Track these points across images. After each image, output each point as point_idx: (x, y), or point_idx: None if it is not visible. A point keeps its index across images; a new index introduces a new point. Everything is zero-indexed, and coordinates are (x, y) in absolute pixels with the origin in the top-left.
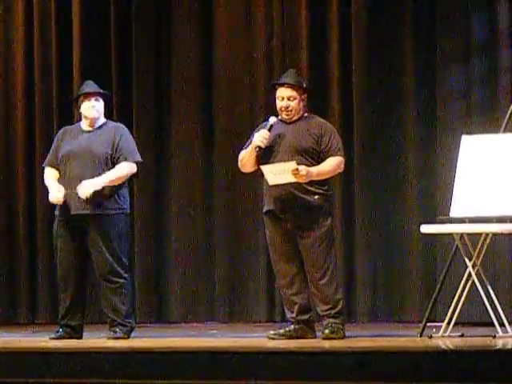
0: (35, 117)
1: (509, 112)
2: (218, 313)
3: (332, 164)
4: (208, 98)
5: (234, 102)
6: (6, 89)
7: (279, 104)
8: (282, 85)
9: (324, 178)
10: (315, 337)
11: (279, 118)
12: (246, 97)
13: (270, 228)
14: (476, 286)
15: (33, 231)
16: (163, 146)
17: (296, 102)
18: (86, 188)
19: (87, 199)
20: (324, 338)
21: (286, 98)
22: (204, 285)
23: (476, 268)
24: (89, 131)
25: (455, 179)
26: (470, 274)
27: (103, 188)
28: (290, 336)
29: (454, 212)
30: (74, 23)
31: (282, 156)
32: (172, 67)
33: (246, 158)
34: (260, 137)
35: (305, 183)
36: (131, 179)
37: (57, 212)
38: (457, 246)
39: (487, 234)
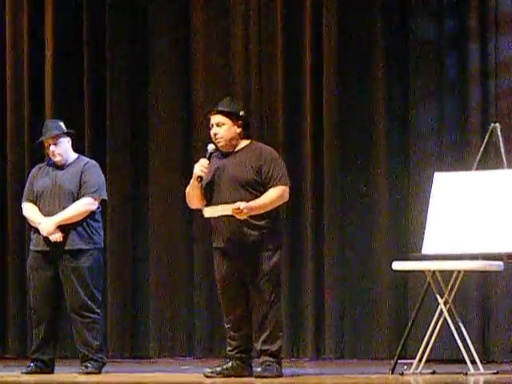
0: (6, 155)
1: (481, 150)
2: (195, 348)
3: (273, 195)
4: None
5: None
6: None
7: (211, 132)
8: (214, 112)
9: (267, 209)
10: (251, 375)
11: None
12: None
13: (218, 264)
14: (448, 322)
15: (4, 264)
16: (140, 174)
17: (225, 128)
18: (46, 226)
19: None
20: (257, 377)
21: (214, 124)
22: (182, 319)
23: (448, 305)
24: (59, 168)
25: (427, 216)
26: (441, 311)
27: (70, 224)
28: (227, 374)
29: (426, 249)
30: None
31: (225, 190)
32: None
33: (190, 193)
34: (200, 166)
35: (249, 218)
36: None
37: (31, 246)
38: (429, 282)
39: (459, 272)
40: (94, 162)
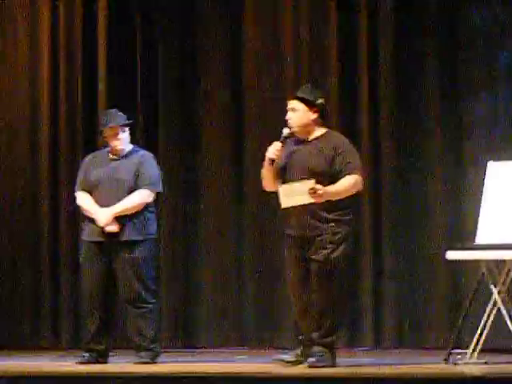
0: (60, 142)
1: None
2: (248, 338)
3: (349, 183)
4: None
5: (265, 128)
6: (32, 113)
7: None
8: (291, 97)
9: (341, 197)
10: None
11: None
12: (276, 120)
13: (288, 249)
14: (501, 312)
15: (57, 255)
16: (192, 173)
17: (299, 114)
18: (103, 217)
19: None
20: (310, 367)
21: (289, 109)
22: (233, 310)
23: (502, 295)
24: (115, 159)
25: (481, 206)
26: (495, 301)
27: (126, 215)
28: (301, 361)
29: (480, 238)
30: (100, 47)
31: (295, 177)
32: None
33: (264, 175)
34: (272, 148)
35: (320, 209)
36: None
37: (84, 236)
38: (483, 272)
39: None
40: (150, 153)
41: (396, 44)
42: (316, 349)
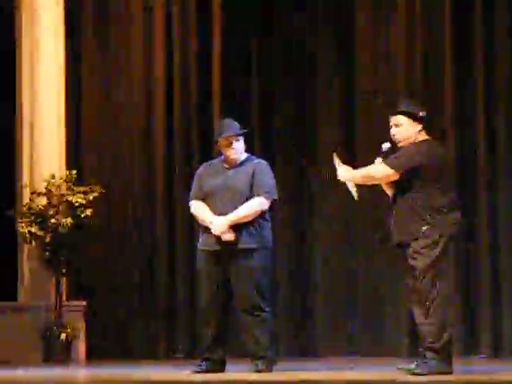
0: (175, 152)
1: None
2: (357, 346)
3: None
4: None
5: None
6: (147, 120)
7: (390, 132)
8: (394, 113)
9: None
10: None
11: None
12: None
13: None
14: None
15: (173, 264)
16: (307, 183)
17: (403, 129)
18: (218, 226)
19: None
20: (412, 374)
21: (393, 125)
22: (345, 318)
23: None
24: (230, 168)
25: None
26: None
27: (242, 224)
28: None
29: None
30: (215, 52)
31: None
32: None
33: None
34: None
35: (415, 213)
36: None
37: (200, 245)
38: None
39: None
40: (264, 161)
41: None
42: (426, 354)
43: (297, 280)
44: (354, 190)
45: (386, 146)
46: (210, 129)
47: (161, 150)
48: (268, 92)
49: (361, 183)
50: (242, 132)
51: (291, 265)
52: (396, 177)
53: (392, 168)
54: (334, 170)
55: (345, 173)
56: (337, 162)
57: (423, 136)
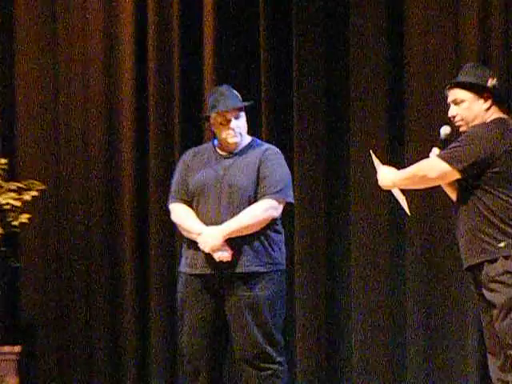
0: (148, 132)
1: None
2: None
3: None
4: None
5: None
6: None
7: (449, 112)
8: (450, 86)
9: None
10: None
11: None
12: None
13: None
14: None
15: (146, 292)
16: (336, 181)
17: (465, 106)
18: (209, 239)
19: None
20: None
21: (451, 102)
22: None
23: None
24: (227, 157)
25: None
26: None
27: (243, 237)
28: None
29: None
30: None
31: None
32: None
33: None
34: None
35: (489, 224)
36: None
37: (183, 267)
38: None
39: None
40: (275, 148)
41: None
42: None
43: (323, 317)
44: (403, 201)
45: (445, 130)
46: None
47: (127, 133)
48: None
49: (411, 187)
50: (245, 104)
51: (314, 297)
52: (457, 175)
53: (451, 163)
54: (372, 174)
55: (388, 175)
56: (376, 162)
57: (495, 114)
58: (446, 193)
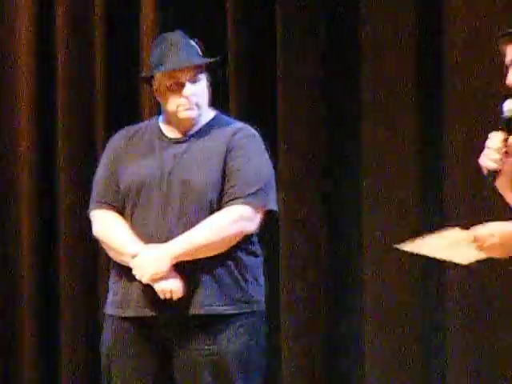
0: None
1: None
2: None
3: None
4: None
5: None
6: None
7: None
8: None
9: None
10: None
11: None
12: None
13: None
14: None
15: (55, 346)
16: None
17: None
18: (148, 264)
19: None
20: None
21: (510, 62)
22: None
23: None
24: (179, 141)
25: None
26: None
27: (201, 261)
28: None
29: None
30: None
31: None
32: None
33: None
34: (488, 152)
35: None
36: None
37: (110, 308)
38: None
39: None
40: (251, 129)
41: None
42: None
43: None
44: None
45: (509, 106)
46: None
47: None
48: None
49: None
50: (208, 61)
51: (309, 356)
52: None
53: None
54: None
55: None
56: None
57: None
58: None
